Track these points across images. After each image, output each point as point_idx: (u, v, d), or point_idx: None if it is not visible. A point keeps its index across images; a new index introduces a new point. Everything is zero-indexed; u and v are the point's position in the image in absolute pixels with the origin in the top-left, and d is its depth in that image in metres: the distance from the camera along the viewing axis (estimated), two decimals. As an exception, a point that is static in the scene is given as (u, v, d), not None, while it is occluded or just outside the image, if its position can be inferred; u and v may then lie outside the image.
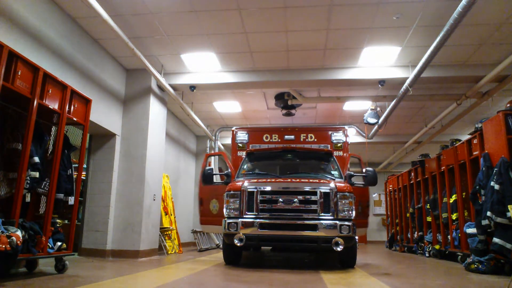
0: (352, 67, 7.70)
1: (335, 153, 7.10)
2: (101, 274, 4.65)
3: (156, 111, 7.92)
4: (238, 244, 5.12)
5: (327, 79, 7.78)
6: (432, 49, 6.03)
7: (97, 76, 6.77)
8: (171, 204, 9.71)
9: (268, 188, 5.36)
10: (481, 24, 6.07)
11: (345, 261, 5.72)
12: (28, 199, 4.25)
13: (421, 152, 10.45)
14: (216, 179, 6.47)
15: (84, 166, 7.01)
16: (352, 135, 11.55)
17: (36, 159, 4.20)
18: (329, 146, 7.32)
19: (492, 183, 5.17)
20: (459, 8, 5.01)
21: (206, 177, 6.18)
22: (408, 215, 10.49)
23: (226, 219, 5.39)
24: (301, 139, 7.42)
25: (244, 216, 5.31)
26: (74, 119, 4.93)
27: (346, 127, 7.65)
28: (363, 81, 7.79)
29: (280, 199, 5.24)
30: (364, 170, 6.04)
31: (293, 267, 5.92)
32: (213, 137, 11.54)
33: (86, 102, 5.27)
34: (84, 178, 7.26)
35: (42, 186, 4.44)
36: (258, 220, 5.23)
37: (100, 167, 7.30)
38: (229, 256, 5.93)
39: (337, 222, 5.10)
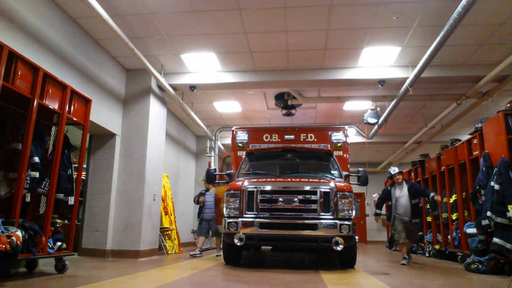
0: (352, 67, 7.70)
1: (335, 153, 7.10)
2: (101, 274, 4.65)
3: (156, 111, 7.92)
4: (238, 244, 5.12)
5: (327, 79, 7.78)
6: (432, 49, 6.03)
7: (97, 76, 6.77)
8: (171, 204, 9.71)
9: (268, 188, 5.36)
10: (481, 24, 6.07)
11: (345, 261, 5.72)
12: (28, 199, 4.25)
13: (421, 152, 10.46)
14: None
15: (84, 166, 7.01)
16: (352, 135, 11.55)
17: (36, 159, 4.20)
18: (329, 146, 7.32)
19: (492, 183, 5.18)
20: (459, 8, 5.01)
21: (209, 177, 6.35)
22: (408, 215, 10.47)
23: (226, 218, 5.40)
24: (301, 139, 7.42)
25: (244, 215, 5.31)
26: (74, 119, 4.94)
27: (346, 127, 7.65)
28: (363, 81, 7.79)
29: (280, 199, 5.24)
30: (357, 170, 6.18)
31: (293, 267, 5.92)
32: (213, 137, 11.54)
33: (86, 102, 5.27)
34: (84, 178, 7.26)
35: (42, 186, 4.43)
36: (258, 220, 5.23)
37: (100, 167, 7.30)
38: (229, 256, 5.93)
39: (337, 221, 5.11)
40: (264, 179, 5.61)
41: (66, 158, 4.81)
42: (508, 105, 5.80)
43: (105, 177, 7.22)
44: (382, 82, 7.72)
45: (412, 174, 10.08)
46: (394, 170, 6.94)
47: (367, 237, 16.96)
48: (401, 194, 6.71)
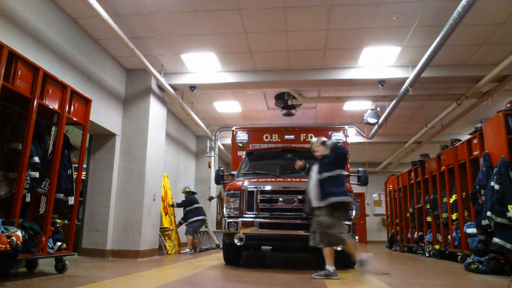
0: (352, 67, 7.69)
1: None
2: (101, 274, 4.65)
3: (156, 111, 7.92)
4: (238, 244, 5.13)
5: (327, 79, 7.78)
6: (432, 49, 6.03)
7: (97, 76, 6.77)
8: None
9: (268, 188, 5.36)
10: (481, 24, 6.07)
11: (345, 261, 5.71)
12: (28, 199, 4.25)
13: (421, 152, 10.44)
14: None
15: (84, 166, 7.01)
16: (352, 135, 11.55)
17: (36, 159, 4.19)
18: (329, 146, 7.31)
19: (492, 183, 5.17)
20: (459, 8, 5.01)
21: (217, 177, 6.48)
22: (408, 215, 10.48)
23: (226, 218, 5.40)
24: (301, 139, 7.43)
25: (244, 215, 5.31)
26: (74, 119, 4.93)
27: (346, 127, 7.66)
28: (363, 81, 7.79)
29: (280, 199, 5.24)
30: (357, 170, 6.18)
31: (293, 267, 5.92)
32: (213, 137, 11.54)
33: (86, 102, 5.27)
34: (84, 178, 7.25)
35: (42, 186, 4.43)
36: (258, 220, 5.23)
37: (100, 167, 7.29)
38: (229, 256, 5.93)
39: (337, 221, 5.09)
40: (264, 179, 5.61)
41: (66, 158, 4.81)
42: (508, 105, 5.79)
43: (105, 177, 7.22)
44: (382, 82, 7.72)
45: (412, 174, 10.08)
46: (313, 140, 5.13)
47: (367, 237, 16.96)
48: (312, 171, 4.87)
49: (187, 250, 8.91)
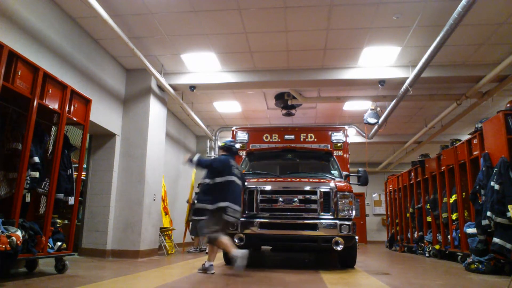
0: (352, 67, 7.69)
1: (335, 153, 7.10)
2: (101, 274, 4.65)
3: (156, 111, 7.92)
4: (238, 244, 5.13)
5: (327, 79, 7.78)
6: (432, 49, 6.03)
7: (97, 76, 6.77)
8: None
9: (268, 188, 5.36)
10: (481, 24, 6.07)
11: (345, 261, 5.72)
12: (28, 199, 4.25)
13: (421, 152, 10.46)
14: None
15: (84, 166, 7.01)
16: (352, 135, 11.55)
17: (36, 159, 4.20)
18: (329, 146, 7.33)
19: (492, 183, 5.18)
20: (459, 8, 5.01)
21: None
22: (408, 215, 10.49)
23: (226, 218, 5.39)
24: (301, 139, 7.43)
25: (244, 215, 5.31)
26: (74, 119, 4.94)
27: (346, 127, 7.67)
28: (363, 81, 7.79)
29: (280, 199, 5.24)
30: (357, 170, 6.19)
31: (293, 267, 5.92)
32: (213, 137, 11.55)
33: (86, 102, 5.27)
34: (84, 178, 7.26)
35: (42, 186, 4.43)
36: (258, 220, 5.23)
37: (100, 167, 7.30)
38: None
39: (337, 221, 5.11)
40: (264, 179, 5.62)
41: (66, 158, 4.81)
42: (508, 105, 5.79)
43: (105, 177, 7.22)
44: (382, 82, 7.72)
45: (412, 174, 10.09)
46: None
47: (367, 237, 16.96)
48: None
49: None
